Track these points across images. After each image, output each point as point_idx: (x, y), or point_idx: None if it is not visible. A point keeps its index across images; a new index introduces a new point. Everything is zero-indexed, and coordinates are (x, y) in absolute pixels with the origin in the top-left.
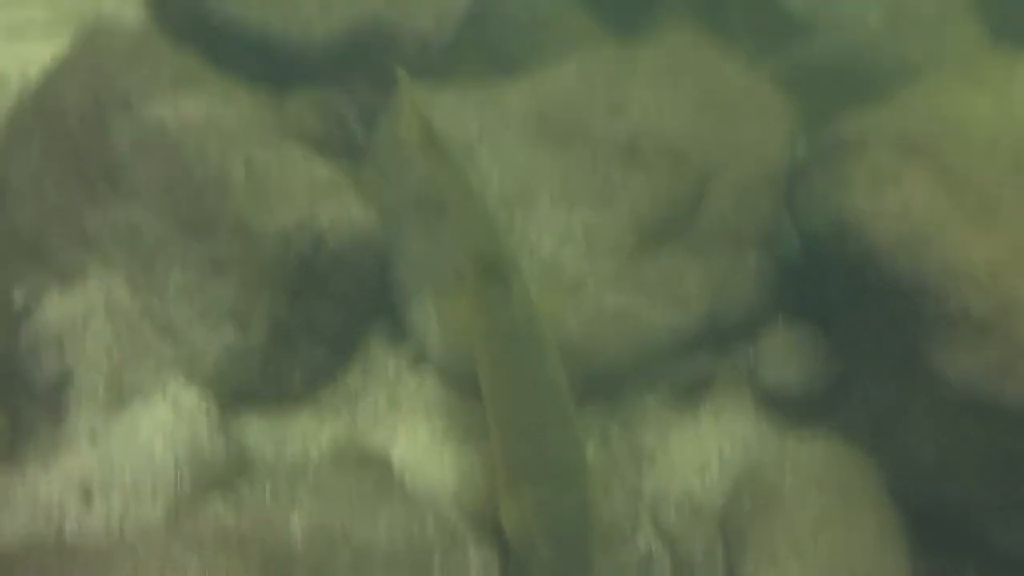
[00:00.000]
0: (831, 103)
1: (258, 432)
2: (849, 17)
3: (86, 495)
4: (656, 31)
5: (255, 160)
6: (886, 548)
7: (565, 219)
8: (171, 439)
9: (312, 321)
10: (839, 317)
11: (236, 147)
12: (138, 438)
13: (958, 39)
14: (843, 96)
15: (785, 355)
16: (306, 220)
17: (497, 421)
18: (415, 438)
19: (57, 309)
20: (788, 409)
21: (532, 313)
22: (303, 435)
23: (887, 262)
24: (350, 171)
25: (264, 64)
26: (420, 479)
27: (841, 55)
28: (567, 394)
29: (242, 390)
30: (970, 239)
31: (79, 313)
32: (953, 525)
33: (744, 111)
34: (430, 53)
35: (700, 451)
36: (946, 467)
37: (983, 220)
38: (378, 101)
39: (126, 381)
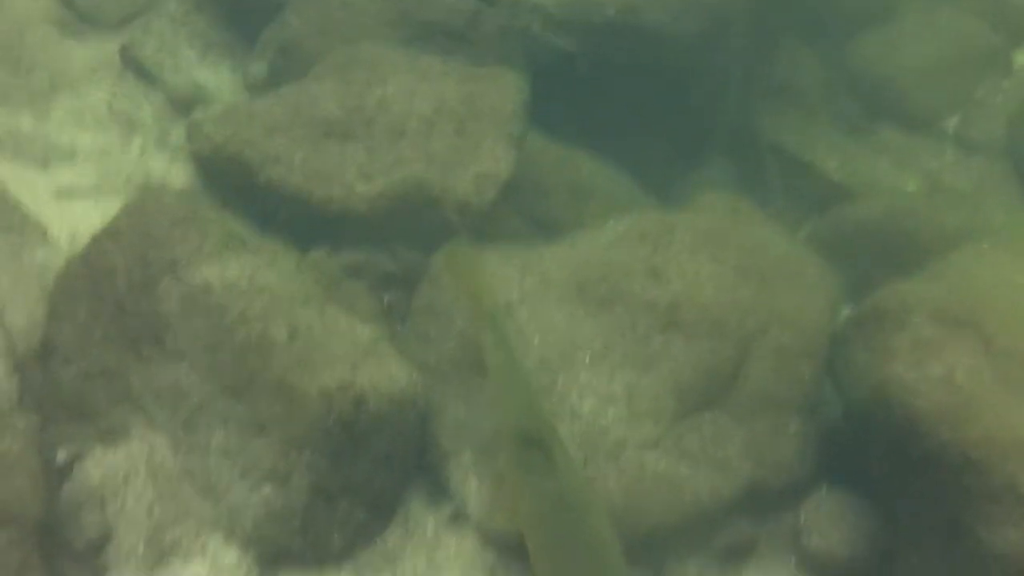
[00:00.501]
0: (870, 269)
1: None
2: (887, 184)
3: None
4: (695, 196)
5: (297, 322)
6: None
7: (606, 382)
8: None
9: (352, 482)
10: (884, 486)
11: (279, 309)
12: None
13: (996, 208)
14: (882, 262)
15: (829, 524)
16: (348, 381)
17: None
18: None
19: (99, 468)
20: None
21: (577, 479)
22: None
23: (930, 434)
24: (391, 332)
25: (307, 226)
26: None
27: (880, 221)
28: (620, 560)
29: (281, 550)
30: (1014, 411)
31: (121, 472)
32: None
33: (784, 277)
34: (471, 216)
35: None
36: None
37: None
38: (419, 262)
39: (166, 540)
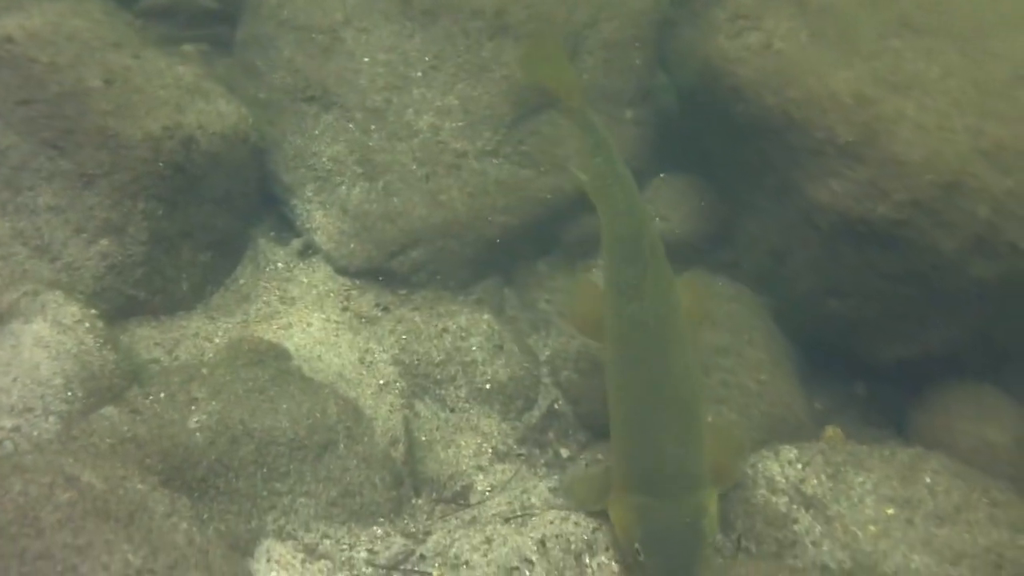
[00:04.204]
0: None
1: (149, 341)
2: None
3: None
4: None
5: (113, 68)
6: (778, 376)
7: (441, 96)
8: (56, 357)
9: (193, 225)
10: (718, 164)
11: (91, 56)
12: (22, 359)
13: None
14: None
15: (669, 206)
16: (173, 123)
17: (618, 417)
18: (310, 328)
19: None
20: (677, 257)
21: (668, 306)
22: (196, 339)
23: (754, 100)
24: (215, 69)
25: None
26: (319, 366)
27: None
28: (697, 398)
29: (127, 302)
30: (832, 68)
31: None
32: (839, 347)
33: None
34: None
35: (595, 308)
36: (827, 292)
37: (844, 49)
38: None
39: (3, 304)
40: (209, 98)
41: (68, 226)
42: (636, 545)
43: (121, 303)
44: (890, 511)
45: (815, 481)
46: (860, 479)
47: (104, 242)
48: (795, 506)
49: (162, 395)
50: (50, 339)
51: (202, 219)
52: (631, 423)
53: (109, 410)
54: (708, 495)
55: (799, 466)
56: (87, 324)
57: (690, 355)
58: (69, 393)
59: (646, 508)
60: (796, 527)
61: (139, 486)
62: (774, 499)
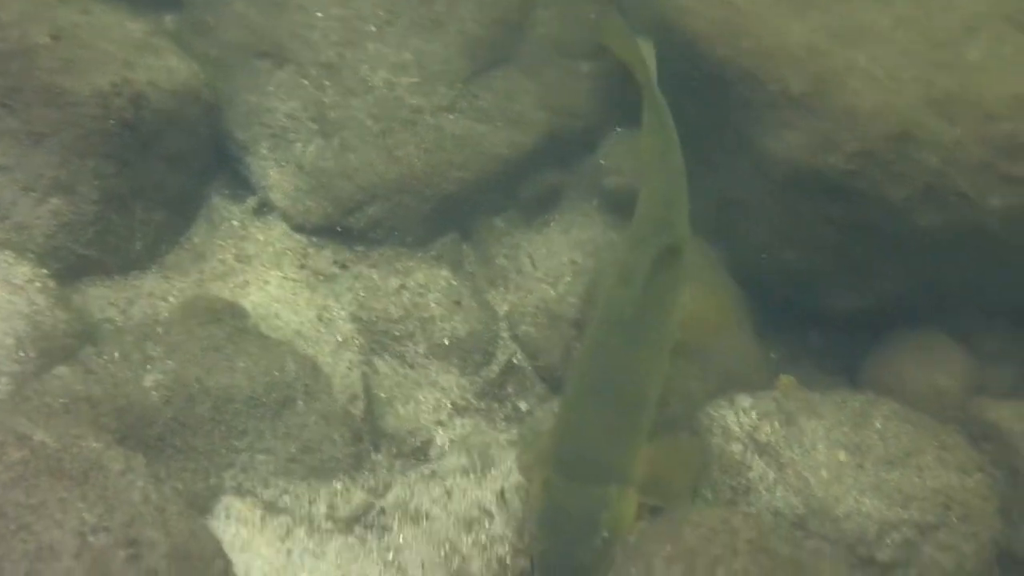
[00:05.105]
0: None
1: (102, 300)
2: None
3: None
4: None
5: (60, 23)
6: (734, 327)
7: (396, 51)
8: (7, 317)
9: (145, 184)
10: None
11: (38, 12)
12: None
13: None
14: None
15: (625, 162)
16: (123, 79)
17: (567, 392)
18: (267, 286)
19: None
20: (630, 209)
21: (657, 303)
22: (150, 298)
23: (709, 53)
24: (166, 25)
25: None
26: (276, 324)
27: None
28: (647, 401)
29: (80, 261)
30: (786, 21)
31: None
32: (793, 297)
33: None
34: None
35: (552, 264)
36: (781, 243)
37: (797, 1)
38: None
39: None
40: (159, 54)
41: (17, 185)
42: (531, 520)
43: (73, 262)
44: (842, 456)
45: (769, 428)
46: (812, 426)
47: (54, 201)
48: (749, 453)
49: (116, 354)
50: (0, 299)
51: (155, 177)
52: (575, 402)
53: (62, 370)
54: (621, 492)
55: (753, 414)
56: (38, 284)
57: (659, 358)
58: (21, 353)
59: (551, 486)
60: (750, 474)
61: (93, 444)
62: (729, 447)
